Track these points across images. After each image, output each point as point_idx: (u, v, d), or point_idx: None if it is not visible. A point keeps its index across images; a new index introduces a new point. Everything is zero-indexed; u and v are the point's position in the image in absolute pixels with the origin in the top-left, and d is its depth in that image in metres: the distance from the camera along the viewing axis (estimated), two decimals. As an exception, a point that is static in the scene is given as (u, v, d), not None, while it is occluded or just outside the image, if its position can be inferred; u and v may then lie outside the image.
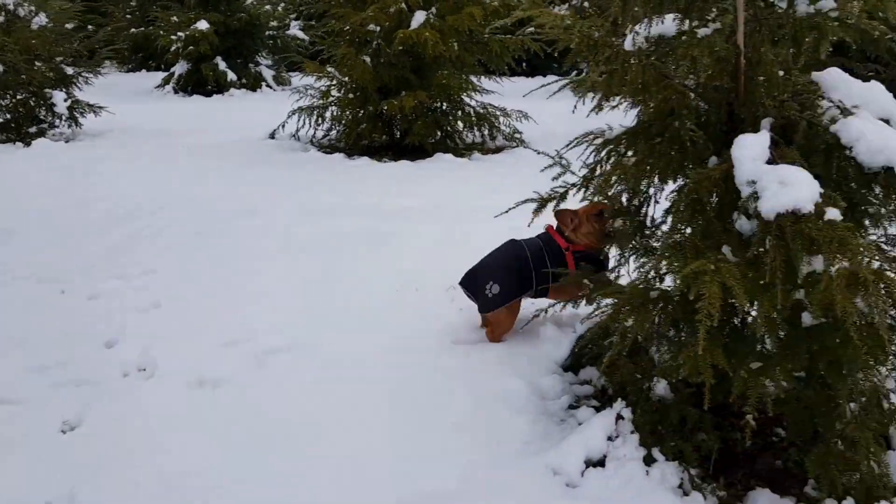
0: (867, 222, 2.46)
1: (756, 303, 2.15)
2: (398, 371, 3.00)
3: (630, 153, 2.69)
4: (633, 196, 2.64)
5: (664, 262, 2.27)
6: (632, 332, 2.40)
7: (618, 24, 2.51)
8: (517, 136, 7.89)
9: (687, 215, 2.31)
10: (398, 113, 7.09)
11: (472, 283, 3.25)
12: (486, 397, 2.82)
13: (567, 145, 2.92)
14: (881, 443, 2.40)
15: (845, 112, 2.46)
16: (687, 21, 2.57)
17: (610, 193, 2.68)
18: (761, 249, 2.10)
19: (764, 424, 2.73)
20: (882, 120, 2.62)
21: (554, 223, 3.25)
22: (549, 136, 6.68)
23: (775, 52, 2.62)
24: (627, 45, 2.64)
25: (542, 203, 2.92)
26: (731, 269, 2.08)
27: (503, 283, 3.17)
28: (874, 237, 2.44)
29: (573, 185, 2.84)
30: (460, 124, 7.76)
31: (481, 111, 7.76)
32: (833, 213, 2.05)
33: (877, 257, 2.36)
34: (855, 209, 2.35)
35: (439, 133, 7.55)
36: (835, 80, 2.64)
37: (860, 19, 2.41)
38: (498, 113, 7.82)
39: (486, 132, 7.84)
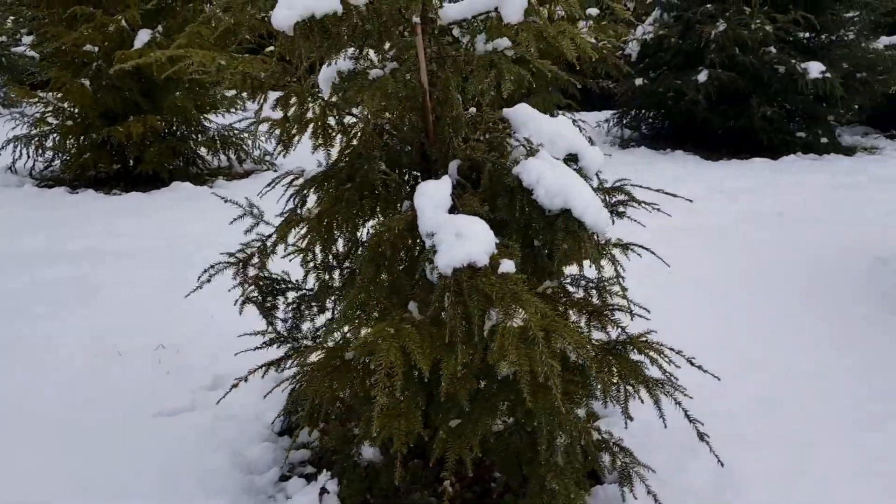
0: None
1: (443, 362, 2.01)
2: (80, 461, 2.57)
3: (324, 198, 2.49)
4: (326, 248, 2.43)
5: (347, 326, 2.08)
6: (327, 397, 2.20)
7: (289, 61, 2.29)
8: (268, 158, 7.53)
9: (371, 271, 2.14)
10: (126, 140, 6.46)
11: None
12: (181, 480, 2.48)
13: (268, 184, 2.68)
14: (583, 484, 2.38)
15: (531, 151, 2.43)
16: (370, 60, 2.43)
17: (304, 245, 2.45)
18: (444, 306, 1.97)
19: (483, 470, 2.65)
20: (570, 156, 2.63)
21: None
22: (304, 157, 6.41)
23: (466, 90, 2.55)
24: (321, 81, 2.46)
25: (237, 264, 2.62)
26: (411, 331, 1.93)
27: None
28: (564, 278, 2.42)
29: (269, 237, 2.58)
30: (203, 149, 7.25)
31: (226, 133, 7.31)
32: (507, 266, 1.96)
33: (563, 300, 2.36)
34: (542, 252, 2.32)
35: (179, 159, 6.99)
36: (523, 117, 2.62)
37: (534, 58, 2.38)
38: (245, 135, 7.41)
39: (232, 156, 7.40)
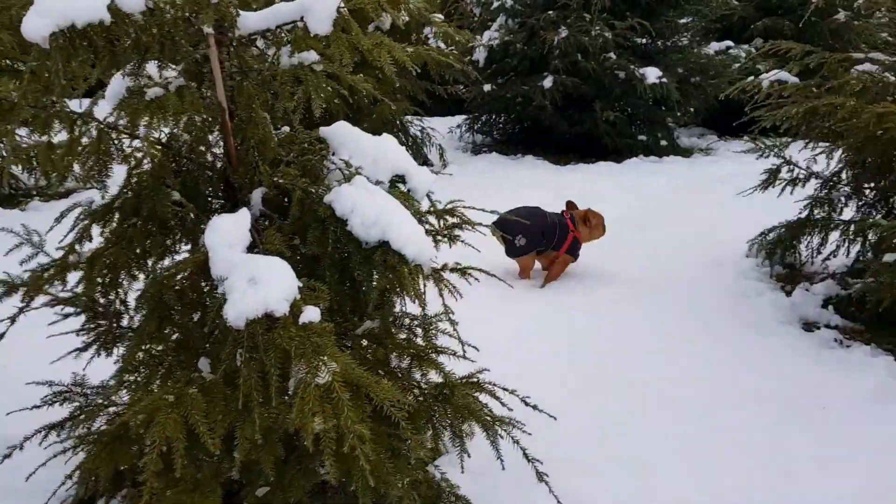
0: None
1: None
2: None
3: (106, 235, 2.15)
4: (109, 293, 2.09)
5: (123, 391, 1.76)
6: (105, 472, 1.87)
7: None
8: (93, 174, 6.88)
9: (153, 324, 1.83)
10: (-84, 159, 5.70)
11: (505, 227, 4.09)
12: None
13: (57, 219, 2.32)
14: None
15: (348, 176, 2.20)
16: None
17: (80, 290, 2.09)
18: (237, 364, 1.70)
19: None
20: (397, 177, 2.44)
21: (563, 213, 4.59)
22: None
23: (275, 108, 2.28)
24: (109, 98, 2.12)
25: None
26: (196, 397, 1.64)
27: (530, 238, 4.38)
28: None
29: (48, 267, 2.19)
30: (16, 167, 6.51)
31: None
32: (311, 313, 1.72)
33: (385, 343, 2.14)
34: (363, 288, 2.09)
35: (-15, 179, 6.24)
36: (343, 137, 2.38)
37: (344, 73, 2.15)
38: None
39: (52, 173, 6.71)
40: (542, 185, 7.07)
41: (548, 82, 8.01)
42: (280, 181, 2.11)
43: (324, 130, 2.39)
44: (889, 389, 3.35)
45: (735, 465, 2.82)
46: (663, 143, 8.49)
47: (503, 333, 3.77)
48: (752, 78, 4.47)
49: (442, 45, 8.09)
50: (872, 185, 4.22)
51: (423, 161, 7.90)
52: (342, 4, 2.17)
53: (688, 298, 4.34)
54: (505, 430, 2.23)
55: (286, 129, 2.43)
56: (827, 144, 4.22)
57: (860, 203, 4.26)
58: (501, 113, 9.10)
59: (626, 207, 6.15)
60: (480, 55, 8.69)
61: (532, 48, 8.32)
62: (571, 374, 3.45)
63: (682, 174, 7.45)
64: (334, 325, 2.03)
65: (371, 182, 2.30)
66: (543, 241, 4.44)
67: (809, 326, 4.02)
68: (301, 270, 2.05)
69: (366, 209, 2.00)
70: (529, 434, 2.31)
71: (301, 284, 1.75)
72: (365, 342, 2.00)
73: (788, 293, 4.32)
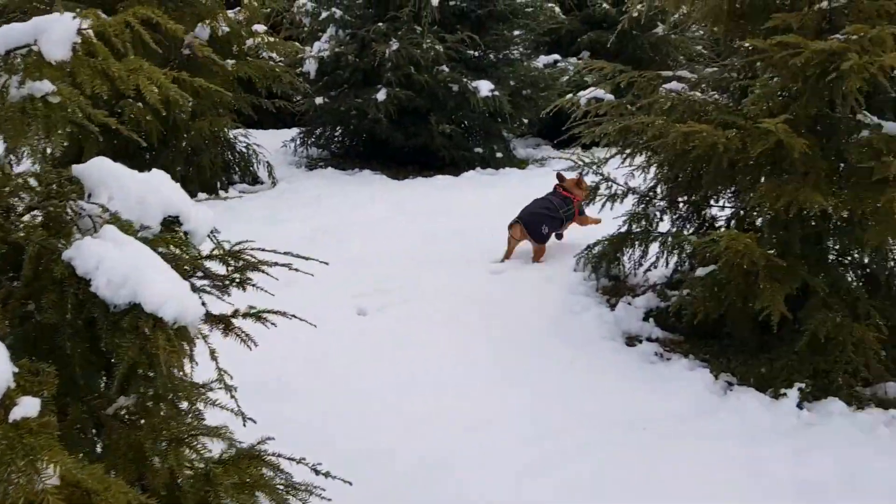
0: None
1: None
2: None
3: None
4: None
5: None
6: None
7: None
8: None
9: None
10: None
11: (530, 225, 5.04)
12: None
13: None
14: None
15: (97, 225, 1.90)
16: None
17: None
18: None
19: None
20: (171, 218, 2.16)
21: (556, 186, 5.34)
22: None
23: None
24: None
25: None
26: None
27: (549, 225, 5.11)
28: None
29: None
30: None
31: None
32: (28, 406, 1.41)
33: (139, 424, 1.86)
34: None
35: None
36: (102, 174, 2.07)
37: (84, 105, 1.85)
38: None
39: None
40: (379, 199, 6.89)
41: (381, 95, 7.85)
42: (13, 235, 1.78)
43: (77, 169, 2.06)
44: (706, 403, 3.41)
45: (566, 495, 2.75)
46: (499, 154, 8.53)
47: (314, 371, 3.55)
48: (570, 95, 4.49)
49: (275, 56, 7.74)
50: (685, 198, 4.34)
51: (253, 179, 7.50)
52: (84, 26, 1.88)
53: (516, 317, 4.28)
54: (300, 500, 2.00)
55: (34, 167, 2.10)
56: (643, 160, 4.30)
57: (675, 216, 4.37)
58: (336, 126, 8.84)
59: (459, 219, 6.05)
60: (311, 67, 8.38)
61: (364, 60, 8.12)
62: (388, 414, 3.26)
63: (516, 186, 7.45)
64: (83, 405, 1.74)
65: (136, 227, 2.02)
66: (559, 223, 5.19)
67: (632, 340, 4.06)
68: (39, 344, 1.74)
69: (114, 265, 1.71)
70: (329, 500, 2.09)
71: (17, 369, 1.45)
72: (117, 424, 1.71)
73: (613, 306, 4.36)
